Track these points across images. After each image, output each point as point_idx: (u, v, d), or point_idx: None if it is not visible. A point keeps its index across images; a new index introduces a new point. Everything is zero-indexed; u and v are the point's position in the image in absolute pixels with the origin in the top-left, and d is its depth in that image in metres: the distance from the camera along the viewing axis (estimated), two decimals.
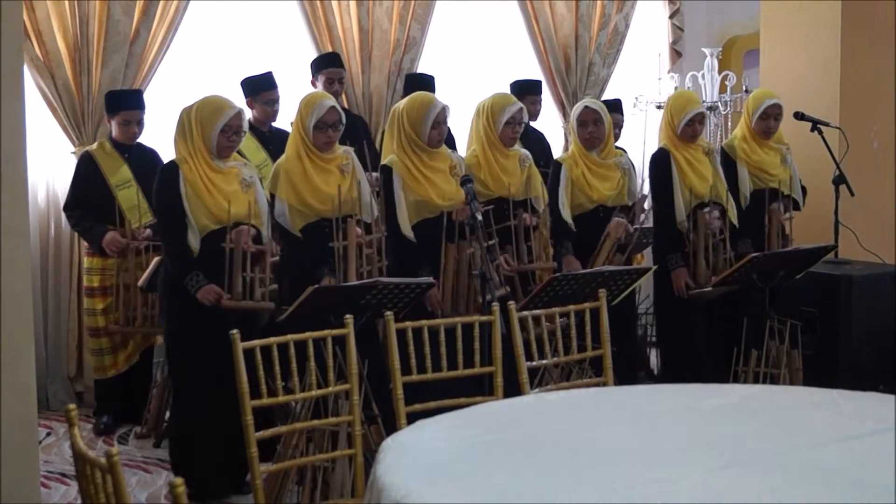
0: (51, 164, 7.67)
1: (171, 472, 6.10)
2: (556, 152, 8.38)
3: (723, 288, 6.42)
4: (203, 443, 5.70)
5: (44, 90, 7.54)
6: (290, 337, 4.02)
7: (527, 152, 6.47)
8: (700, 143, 6.78)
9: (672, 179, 6.63)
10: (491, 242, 5.89)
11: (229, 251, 5.50)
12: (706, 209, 6.55)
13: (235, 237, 5.51)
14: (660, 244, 6.80)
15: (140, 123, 7.10)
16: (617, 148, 7.00)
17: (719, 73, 9.58)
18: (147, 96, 7.70)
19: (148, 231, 6.88)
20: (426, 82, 8.16)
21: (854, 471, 3.03)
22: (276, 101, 7.33)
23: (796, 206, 7.01)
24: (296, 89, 7.56)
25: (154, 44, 7.89)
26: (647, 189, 7.00)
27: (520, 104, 6.31)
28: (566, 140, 9.23)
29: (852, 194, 7.04)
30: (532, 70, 9.38)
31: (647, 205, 7.04)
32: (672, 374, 6.72)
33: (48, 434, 7.04)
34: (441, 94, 7.37)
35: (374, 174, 6.21)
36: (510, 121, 6.23)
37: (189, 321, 5.65)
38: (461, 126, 6.76)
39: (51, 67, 7.55)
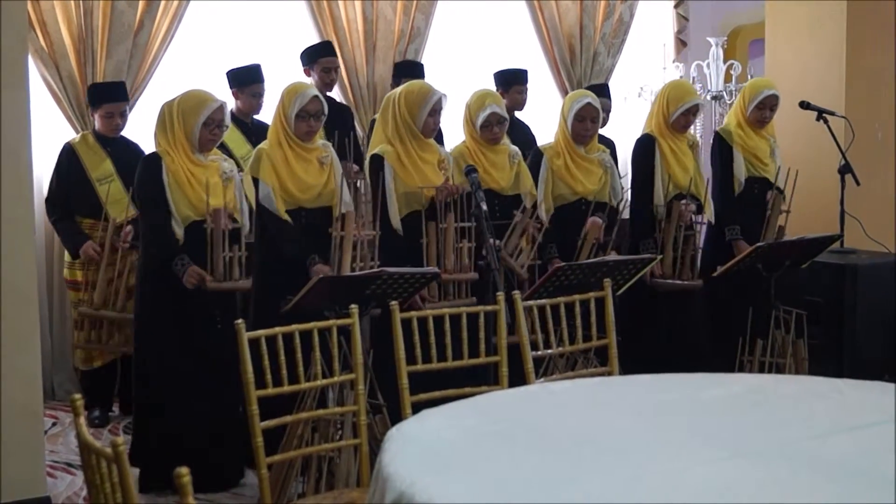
0: (55, 155, 7.66)
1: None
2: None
3: (687, 283, 6.49)
4: (166, 434, 5.70)
5: (48, 81, 7.55)
6: (294, 327, 4.02)
7: (516, 148, 6.44)
8: (686, 135, 6.79)
9: (654, 165, 6.65)
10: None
11: (210, 231, 5.53)
12: (683, 201, 6.56)
13: (214, 217, 5.53)
14: (633, 227, 6.80)
15: (123, 116, 7.11)
16: (603, 139, 7.01)
17: (724, 62, 9.58)
18: (150, 87, 7.74)
19: (129, 228, 6.82)
20: (416, 69, 8.17)
21: (858, 461, 3.02)
22: (261, 94, 7.35)
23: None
24: (299, 80, 7.56)
25: (158, 35, 7.89)
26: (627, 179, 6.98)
27: (490, 109, 6.21)
28: None
29: (858, 184, 7.03)
30: (537, 60, 9.37)
31: (627, 198, 7.02)
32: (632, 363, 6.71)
33: (54, 424, 7.05)
34: (444, 85, 7.37)
35: (354, 166, 6.23)
36: (486, 124, 6.20)
37: (163, 309, 5.68)
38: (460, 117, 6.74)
39: (55, 58, 7.55)
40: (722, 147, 7.06)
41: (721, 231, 6.90)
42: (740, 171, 6.97)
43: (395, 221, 5.90)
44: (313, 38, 8.36)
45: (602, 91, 7.87)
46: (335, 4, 8.56)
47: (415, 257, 5.85)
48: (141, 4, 7.78)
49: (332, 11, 8.55)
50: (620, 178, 6.86)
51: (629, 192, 6.87)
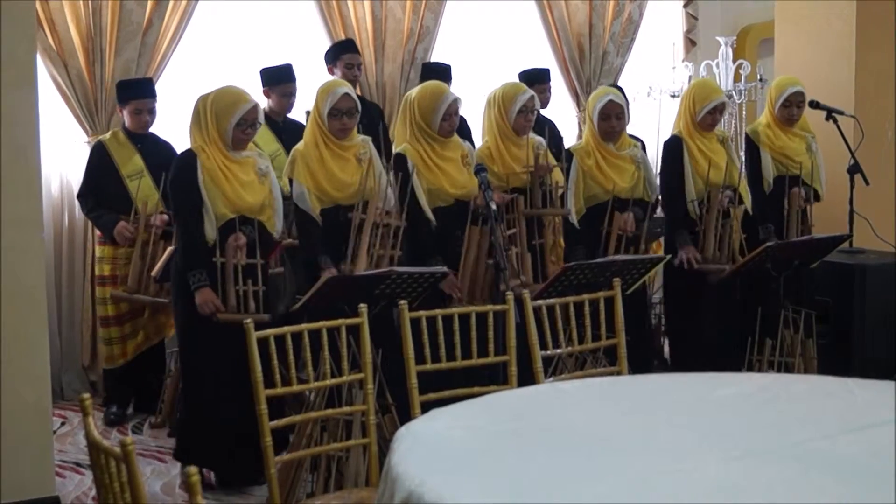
0: (64, 154, 7.67)
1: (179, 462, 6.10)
2: (569, 141, 8.35)
3: (713, 266, 6.45)
4: (214, 434, 5.71)
5: (57, 80, 7.55)
6: (304, 326, 4.02)
7: (541, 139, 6.42)
8: (716, 131, 6.77)
9: (683, 167, 6.63)
10: (511, 231, 5.92)
11: (220, 265, 5.51)
12: (722, 191, 6.55)
13: (227, 251, 5.51)
14: (668, 228, 6.79)
15: (152, 112, 7.10)
16: (633, 137, 6.99)
17: (734, 61, 9.56)
18: (160, 86, 7.71)
19: (164, 216, 6.85)
20: (442, 72, 8.15)
21: (868, 461, 3.02)
22: (293, 93, 7.38)
23: (817, 197, 7.01)
24: (309, 78, 7.56)
25: (167, 34, 7.89)
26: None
27: (531, 92, 6.30)
28: (580, 129, 9.21)
29: (867, 183, 7.02)
30: (546, 59, 9.36)
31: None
32: (682, 361, 6.72)
33: (63, 423, 7.06)
34: (455, 84, 7.36)
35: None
36: (522, 109, 6.21)
37: (198, 312, 5.64)
38: (476, 116, 6.74)
39: (64, 57, 7.56)
40: (750, 148, 7.07)
41: (753, 227, 6.85)
42: (768, 171, 6.95)
43: (428, 212, 5.90)
44: (322, 38, 8.36)
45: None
46: (344, 4, 8.55)
47: (445, 251, 5.87)
48: (150, 3, 7.78)
49: (341, 10, 8.54)
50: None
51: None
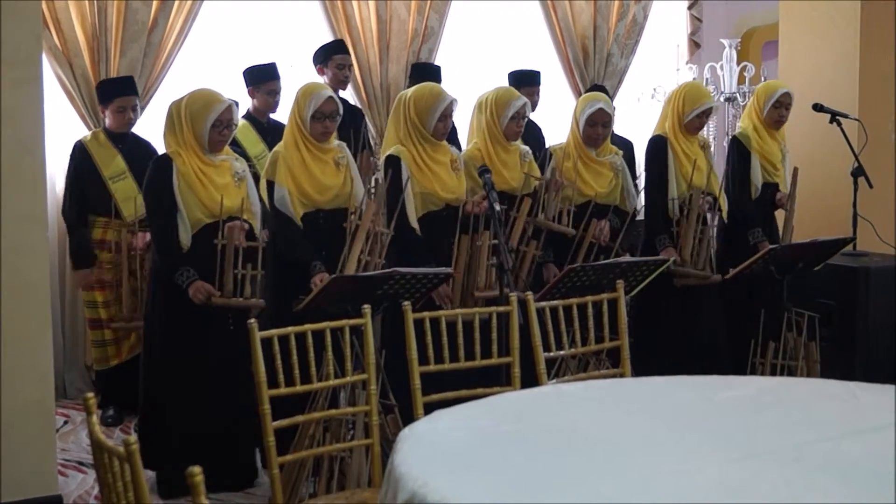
0: (69, 153, 7.66)
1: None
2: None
3: (704, 274, 6.44)
4: (178, 440, 5.67)
5: (62, 79, 7.56)
6: (307, 326, 4.02)
7: (527, 148, 6.43)
8: (697, 137, 6.78)
9: (668, 167, 6.63)
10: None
11: (221, 247, 5.48)
12: (701, 195, 6.55)
13: (228, 233, 5.48)
14: (648, 226, 6.80)
15: (135, 110, 7.09)
16: (620, 139, 6.98)
17: (738, 64, 9.57)
18: (164, 86, 7.75)
19: (145, 235, 6.81)
20: (434, 72, 8.16)
21: (871, 464, 3.01)
22: (277, 91, 7.39)
23: None
24: (313, 80, 7.57)
25: (172, 33, 7.91)
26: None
27: (524, 99, 6.28)
28: None
29: (871, 186, 7.02)
30: (550, 61, 9.37)
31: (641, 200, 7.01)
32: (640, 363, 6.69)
33: (65, 422, 7.06)
34: (458, 85, 7.37)
35: (372, 159, 6.22)
36: (514, 115, 6.20)
37: (176, 315, 5.62)
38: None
39: (69, 56, 7.57)
40: (740, 151, 7.04)
41: (735, 232, 6.87)
42: (757, 177, 6.96)
43: (413, 220, 5.88)
44: (327, 38, 8.36)
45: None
46: (349, 4, 8.57)
47: (435, 257, 5.83)
48: (155, 3, 7.81)
49: (345, 11, 8.56)
50: (636, 179, 6.84)
51: (643, 193, 6.86)
